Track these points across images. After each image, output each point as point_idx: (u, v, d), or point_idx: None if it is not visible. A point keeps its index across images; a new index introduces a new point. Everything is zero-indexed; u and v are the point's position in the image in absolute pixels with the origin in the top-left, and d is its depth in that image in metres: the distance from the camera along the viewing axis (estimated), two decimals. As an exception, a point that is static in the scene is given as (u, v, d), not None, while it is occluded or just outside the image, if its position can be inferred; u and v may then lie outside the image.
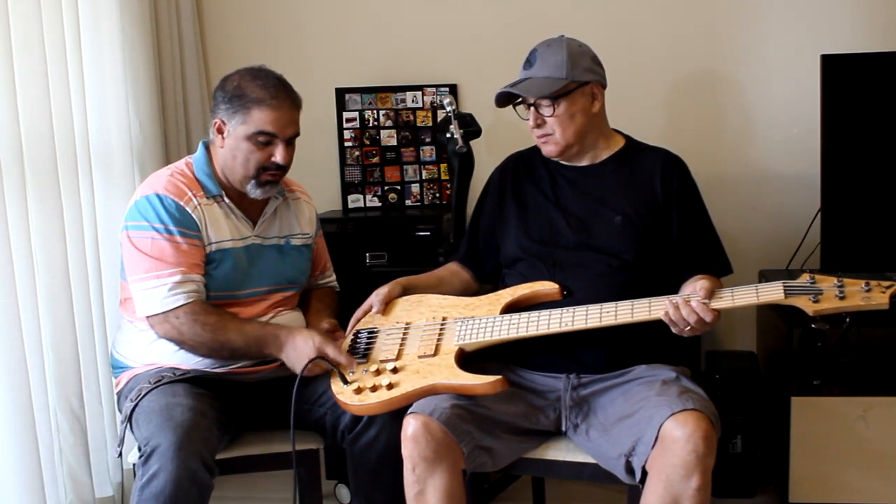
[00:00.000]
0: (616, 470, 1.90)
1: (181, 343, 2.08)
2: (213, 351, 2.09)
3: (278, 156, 2.12)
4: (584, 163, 2.16)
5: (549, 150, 2.13)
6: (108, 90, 2.71)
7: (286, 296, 2.26)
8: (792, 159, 3.04)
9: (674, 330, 1.87)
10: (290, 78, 3.29)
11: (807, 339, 2.71)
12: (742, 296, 1.83)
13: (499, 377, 1.89)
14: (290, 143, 2.15)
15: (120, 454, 2.13)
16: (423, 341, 2.04)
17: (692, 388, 1.92)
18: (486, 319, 2.02)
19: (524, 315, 1.99)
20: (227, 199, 2.18)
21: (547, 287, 2.04)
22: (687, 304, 1.83)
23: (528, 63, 2.15)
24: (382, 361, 2.02)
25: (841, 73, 2.63)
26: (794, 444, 2.61)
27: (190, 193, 2.12)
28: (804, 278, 1.79)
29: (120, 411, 2.17)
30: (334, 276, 2.50)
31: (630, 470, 1.86)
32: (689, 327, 1.84)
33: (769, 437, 2.87)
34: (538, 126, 2.11)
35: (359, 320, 2.18)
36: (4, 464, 2.29)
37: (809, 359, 2.68)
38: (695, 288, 1.89)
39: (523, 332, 1.96)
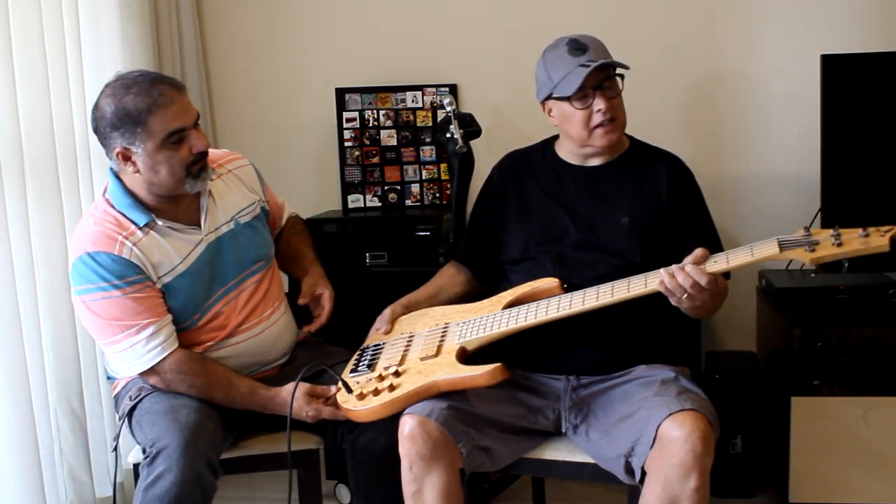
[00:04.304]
0: (616, 470, 1.90)
1: (168, 392, 2.06)
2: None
3: (197, 144, 2.01)
4: (593, 163, 2.16)
5: (613, 137, 2.08)
6: (108, 90, 2.71)
7: (257, 278, 2.19)
8: (792, 159, 3.04)
9: (672, 301, 1.84)
10: (290, 78, 3.32)
11: (807, 339, 2.71)
12: (737, 256, 1.78)
13: (497, 365, 1.87)
14: (196, 127, 2.04)
15: (115, 448, 2.12)
16: (426, 345, 2.03)
17: (691, 388, 1.92)
18: (487, 317, 2.02)
19: (523, 307, 1.99)
20: (160, 221, 2.05)
21: (547, 283, 2.03)
22: (681, 270, 1.80)
23: (580, 50, 2.06)
24: (385, 368, 2.01)
25: (841, 73, 2.63)
26: (794, 444, 2.61)
27: (121, 237, 2.00)
28: (799, 233, 1.73)
29: (118, 411, 2.17)
30: (286, 204, 2.46)
31: (629, 470, 1.86)
32: (686, 294, 1.80)
33: (769, 437, 2.86)
34: (608, 109, 2.04)
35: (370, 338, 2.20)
36: (4, 464, 2.29)
37: (809, 359, 2.68)
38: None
39: (523, 322, 1.94)
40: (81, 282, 2.00)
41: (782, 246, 1.72)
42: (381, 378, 1.98)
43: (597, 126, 2.06)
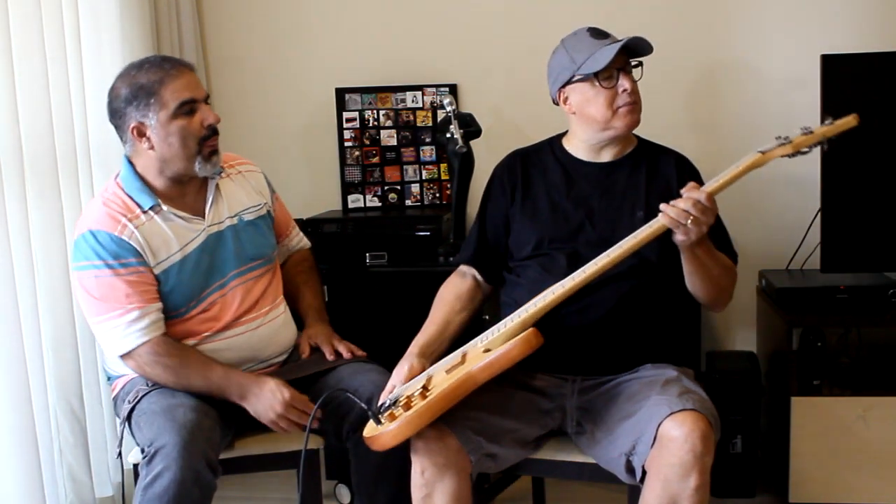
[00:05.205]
0: (617, 469, 1.90)
1: (146, 378, 2.08)
2: (175, 388, 2.06)
3: (209, 117, 2.08)
4: (605, 158, 2.15)
5: (636, 118, 2.10)
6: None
7: (256, 274, 2.22)
8: (792, 159, 3.02)
9: (679, 235, 1.83)
10: (290, 78, 3.32)
11: (807, 339, 2.71)
12: (725, 173, 1.87)
13: (528, 330, 1.81)
14: (207, 104, 2.12)
15: (119, 454, 2.13)
16: (449, 364, 1.95)
17: (693, 388, 1.92)
18: (502, 322, 1.98)
19: (537, 297, 1.95)
20: (165, 207, 2.10)
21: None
22: (679, 199, 1.82)
23: (602, 35, 2.10)
24: (411, 395, 1.88)
25: (841, 73, 2.63)
26: (794, 444, 2.62)
27: (124, 220, 2.05)
28: (772, 141, 1.87)
29: (117, 415, 2.17)
30: (301, 234, 2.49)
31: (630, 469, 1.86)
32: (691, 218, 1.80)
33: (769, 437, 2.87)
34: (633, 90, 2.07)
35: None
36: (4, 464, 2.29)
37: (809, 359, 2.69)
38: None
39: (542, 303, 1.91)
40: (79, 258, 2.06)
41: (762, 151, 1.87)
42: (409, 399, 1.86)
43: (621, 106, 2.06)
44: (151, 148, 2.08)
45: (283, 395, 2.03)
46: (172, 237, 2.10)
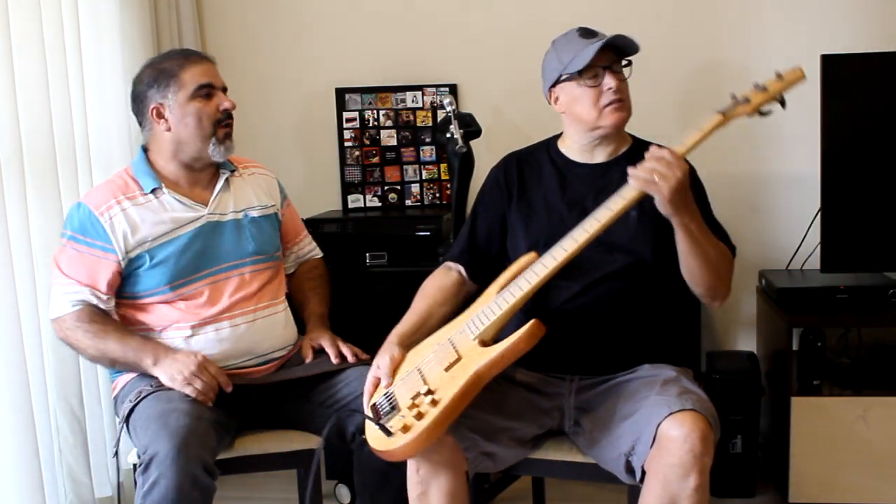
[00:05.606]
0: (616, 470, 1.89)
1: (70, 347, 2.14)
2: (95, 358, 2.13)
3: (224, 102, 2.18)
4: (598, 159, 2.15)
5: (623, 115, 2.08)
6: (108, 90, 2.71)
7: (255, 268, 2.24)
8: (792, 159, 3.04)
9: (656, 197, 1.81)
10: (290, 78, 3.33)
11: (807, 339, 2.71)
12: (688, 136, 1.87)
13: (531, 322, 1.81)
14: (225, 93, 2.22)
15: (116, 454, 2.13)
16: (443, 359, 1.91)
17: (692, 388, 1.91)
18: (487, 307, 1.95)
19: (520, 278, 1.93)
20: (168, 191, 2.17)
21: (527, 258, 1.99)
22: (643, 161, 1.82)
23: (591, 34, 2.09)
24: (413, 398, 1.83)
25: (841, 73, 2.63)
26: (794, 444, 2.62)
27: (113, 200, 2.14)
28: (729, 101, 1.87)
29: (117, 414, 2.17)
30: (314, 244, 2.52)
31: (630, 469, 1.86)
32: (660, 175, 1.78)
33: (769, 437, 2.87)
34: (618, 89, 2.06)
35: (371, 395, 1.99)
36: (4, 464, 2.29)
37: (809, 359, 2.68)
38: None
39: (528, 287, 1.89)
40: (64, 224, 2.18)
41: (722, 112, 1.87)
42: (414, 406, 1.81)
43: (607, 105, 2.05)
44: (168, 129, 2.16)
45: (198, 357, 2.07)
46: (167, 217, 2.16)
